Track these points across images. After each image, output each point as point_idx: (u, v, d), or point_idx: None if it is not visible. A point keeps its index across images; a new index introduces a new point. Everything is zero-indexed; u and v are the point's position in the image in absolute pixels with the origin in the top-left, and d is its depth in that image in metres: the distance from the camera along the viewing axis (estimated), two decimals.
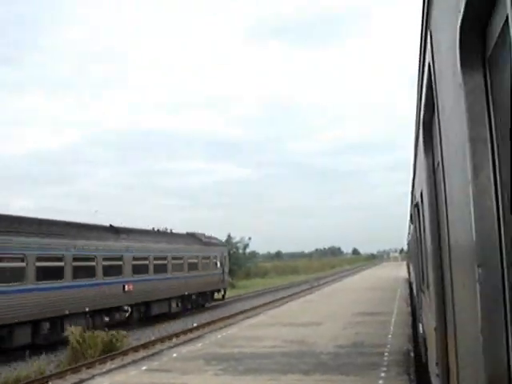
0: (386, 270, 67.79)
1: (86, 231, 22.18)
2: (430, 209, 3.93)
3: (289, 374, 9.88)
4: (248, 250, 63.18)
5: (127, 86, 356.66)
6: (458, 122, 1.78)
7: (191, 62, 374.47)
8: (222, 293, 34.99)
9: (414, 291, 14.55)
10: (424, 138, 3.96)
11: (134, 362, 13.09)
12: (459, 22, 1.55)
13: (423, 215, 5.39)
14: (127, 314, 23.99)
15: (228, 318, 24.42)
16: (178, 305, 27.97)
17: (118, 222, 26.13)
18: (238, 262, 55.24)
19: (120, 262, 23.63)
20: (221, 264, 34.70)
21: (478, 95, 1.59)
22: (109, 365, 14.93)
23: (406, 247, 47.22)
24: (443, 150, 2.47)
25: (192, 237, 33.19)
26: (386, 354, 11.55)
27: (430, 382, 5.82)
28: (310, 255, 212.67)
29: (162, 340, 18.81)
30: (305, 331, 15.44)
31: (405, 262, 64.08)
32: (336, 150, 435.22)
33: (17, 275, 17.43)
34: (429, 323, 5.37)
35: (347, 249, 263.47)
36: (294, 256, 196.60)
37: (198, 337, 16.57)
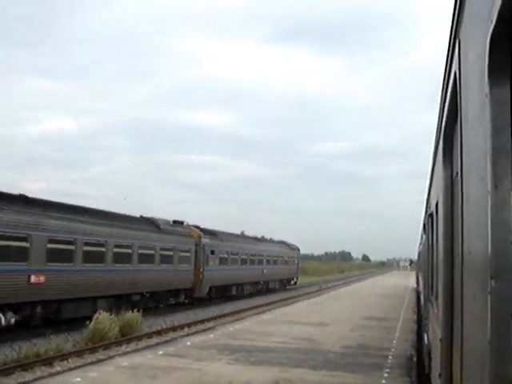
0: (394, 279, 68.05)
1: (126, 222, 24.18)
2: (444, 219, 3.92)
3: (298, 368, 10.50)
4: None
5: (150, 76, 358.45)
6: (481, 133, 1.78)
7: (215, 57, 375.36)
8: (295, 280, 51.92)
9: (422, 301, 14.67)
10: (444, 147, 3.95)
11: (149, 347, 13.83)
12: (490, 32, 1.55)
13: (437, 225, 5.40)
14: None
15: (238, 313, 25.10)
16: (275, 285, 45.50)
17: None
18: None
19: (153, 252, 25.69)
20: (297, 262, 53.25)
21: (504, 106, 1.60)
22: (124, 348, 15.68)
23: (416, 257, 47.50)
24: (463, 160, 2.45)
25: (284, 243, 51.96)
26: (390, 357, 12.12)
27: None
28: (319, 258, 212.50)
29: (174, 329, 19.54)
30: (313, 330, 16.04)
31: (414, 272, 64.34)
32: (354, 154, 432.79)
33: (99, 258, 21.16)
34: (434, 334, 5.35)
35: (357, 254, 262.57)
36: (303, 258, 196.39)
37: (210, 328, 17.25)
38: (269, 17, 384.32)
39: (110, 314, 17.58)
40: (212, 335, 14.85)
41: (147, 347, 13.78)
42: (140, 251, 24.27)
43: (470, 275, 2.21)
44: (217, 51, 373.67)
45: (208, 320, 22.36)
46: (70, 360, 13.81)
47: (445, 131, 3.75)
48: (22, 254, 17.26)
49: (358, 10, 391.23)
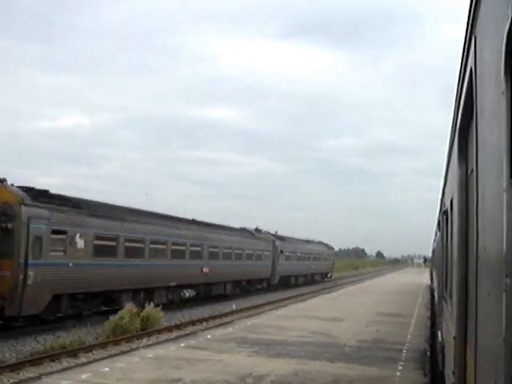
0: (409, 276, 68.10)
1: (179, 224, 28.35)
2: (459, 216, 3.90)
3: (316, 361, 10.92)
4: None
5: (162, 73, 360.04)
6: (497, 130, 1.76)
7: (226, 53, 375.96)
8: (331, 273, 61.47)
9: (436, 298, 14.72)
10: (459, 144, 3.93)
11: (170, 340, 14.34)
12: (507, 28, 1.54)
13: (452, 222, 5.38)
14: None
15: (255, 307, 25.55)
16: (313, 277, 53.62)
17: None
18: None
19: (251, 252, 37.24)
20: (333, 259, 64.32)
21: None
22: (145, 341, 16.19)
23: (430, 254, 47.60)
24: (478, 156, 2.43)
25: (323, 244, 61.58)
26: (404, 351, 12.49)
27: None
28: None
29: (193, 323, 20.05)
30: (328, 325, 16.44)
31: (428, 269, 64.41)
32: (368, 150, 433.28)
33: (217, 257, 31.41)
34: (448, 331, 5.33)
35: (371, 251, 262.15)
36: None
37: (228, 322, 17.72)
38: (278, 12, 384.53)
39: (140, 309, 18.16)
40: (231, 329, 15.32)
41: (168, 340, 14.28)
42: (246, 252, 36.05)
43: (484, 272, 2.20)
44: (229, 47, 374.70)
45: (225, 315, 22.85)
46: (94, 352, 14.33)
47: (460, 128, 3.72)
48: (197, 254, 28.61)
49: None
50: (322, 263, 57.42)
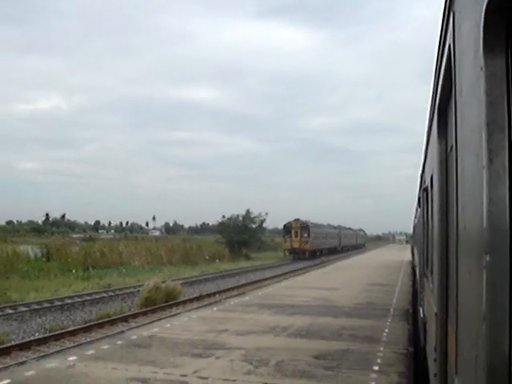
0: (391, 252, 71.93)
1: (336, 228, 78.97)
2: (439, 193, 3.90)
3: (323, 317, 14.03)
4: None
5: (138, 53, 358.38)
6: (476, 106, 1.75)
7: (206, 33, 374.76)
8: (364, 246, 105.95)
9: (417, 275, 14.75)
10: (438, 121, 3.91)
11: (203, 306, 17.25)
12: (485, 3, 1.53)
13: (432, 200, 5.43)
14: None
15: (259, 281, 28.76)
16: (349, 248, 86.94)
17: None
18: (254, 235, 59.55)
19: (336, 235, 77.56)
20: (365, 236, 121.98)
21: (499, 79, 1.58)
22: (174, 310, 19.19)
23: (411, 231, 50.58)
24: (458, 134, 2.43)
25: (358, 230, 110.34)
26: (392, 309, 15.68)
27: (427, 367, 6.06)
28: None
29: (208, 295, 23.11)
30: (327, 293, 19.59)
31: (409, 246, 68.04)
32: (349, 129, 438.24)
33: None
34: (430, 307, 5.38)
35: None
36: None
37: (242, 293, 20.82)
38: None
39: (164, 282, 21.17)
40: (247, 298, 18.38)
41: (202, 306, 17.10)
42: (342, 234, 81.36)
43: (465, 250, 2.20)
44: (205, 27, 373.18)
45: (236, 288, 25.98)
46: (139, 318, 17.28)
47: (439, 105, 3.70)
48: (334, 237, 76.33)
49: None
50: (350, 240, 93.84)
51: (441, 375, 3.53)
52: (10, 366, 9.41)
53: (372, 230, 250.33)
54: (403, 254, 58.04)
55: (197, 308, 16.56)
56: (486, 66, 1.59)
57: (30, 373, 8.13)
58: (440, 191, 3.84)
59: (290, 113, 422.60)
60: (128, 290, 24.14)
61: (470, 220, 2.01)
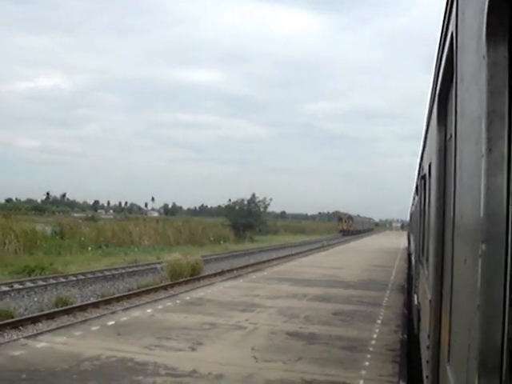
0: (388, 238, 75.15)
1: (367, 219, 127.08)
2: (437, 181, 3.92)
3: (334, 288, 16.94)
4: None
5: (141, 34, 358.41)
6: (477, 95, 1.76)
7: (210, 16, 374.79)
8: (372, 229, 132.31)
9: (413, 261, 15.13)
10: (438, 109, 3.90)
11: (231, 278, 20.15)
12: None
13: (429, 187, 5.45)
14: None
15: (270, 261, 31.74)
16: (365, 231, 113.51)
17: None
18: (258, 218, 62.58)
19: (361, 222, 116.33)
20: (373, 223, 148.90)
21: (501, 68, 1.58)
22: (206, 281, 22.03)
23: (408, 218, 53.16)
24: (457, 122, 2.44)
25: (370, 218, 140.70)
26: (390, 284, 18.63)
27: (419, 354, 6.16)
28: (313, 217, 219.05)
29: (228, 271, 26.05)
30: (333, 271, 22.52)
31: (406, 232, 70.97)
32: (349, 115, 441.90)
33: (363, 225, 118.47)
34: (425, 295, 5.42)
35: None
36: (297, 217, 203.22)
37: (259, 269, 23.76)
38: None
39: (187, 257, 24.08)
40: (265, 273, 21.31)
41: (230, 278, 20.00)
42: (365, 221, 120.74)
43: (461, 238, 2.23)
44: (208, 9, 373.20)
45: (247, 266, 28.94)
46: (176, 288, 20.10)
47: (440, 93, 3.69)
48: (362, 224, 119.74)
49: None
50: (366, 225, 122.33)
51: (433, 362, 3.58)
52: (104, 315, 12.26)
53: (369, 216, 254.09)
54: (399, 240, 61.06)
55: (225, 280, 19.48)
56: (488, 54, 1.59)
57: (125, 318, 11.03)
58: (438, 179, 3.90)
59: (290, 97, 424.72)
60: (153, 266, 26.98)
61: (467, 209, 2.01)
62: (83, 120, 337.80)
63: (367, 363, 8.14)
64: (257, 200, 62.51)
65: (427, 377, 4.12)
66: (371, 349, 9.09)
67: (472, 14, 1.91)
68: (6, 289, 17.24)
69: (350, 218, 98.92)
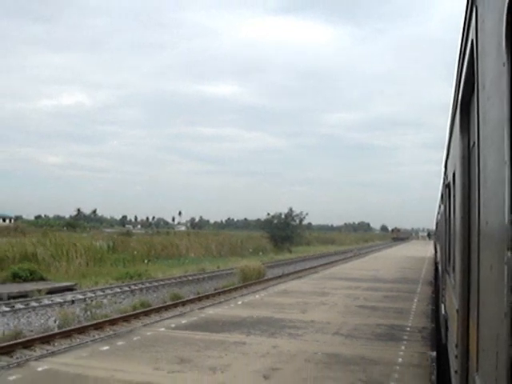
0: (415, 247, 79.58)
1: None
2: (461, 189, 3.93)
3: (377, 283, 22.37)
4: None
5: (162, 50, 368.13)
6: (498, 102, 1.78)
7: (227, 30, 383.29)
8: (409, 239, 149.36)
9: (440, 271, 15.27)
10: (461, 117, 3.92)
11: (292, 279, 25.73)
12: None
13: (454, 196, 5.51)
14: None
15: (316, 267, 37.33)
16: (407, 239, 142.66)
17: None
18: (295, 231, 68.32)
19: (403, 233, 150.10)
20: (410, 234, 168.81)
21: None
22: (278, 280, 27.56)
23: (434, 227, 56.82)
24: (480, 129, 2.44)
25: (407, 229, 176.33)
26: (420, 281, 24.01)
27: (448, 363, 6.36)
28: (338, 229, 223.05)
29: (286, 275, 31.62)
30: (372, 273, 27.91)
31: (431, 241, 75.36)
32: (370, 124, 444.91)
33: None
34: (452, 304, 5.47)
35: (376, 225, 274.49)
36: (322, 228, 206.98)
37: (310, 273, 29.29)
38: None
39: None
40: (319, 275, 26.83)
41: (295, 279, 25.62)
42: (406, 231, 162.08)
43: (486, 246, 2.22)
44: (230, 22, 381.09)
45: (300, 271, 34.50)
46: (253, 286, 25.66)
47: (462, 101, 3.71)
48: (404, 234, 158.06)
49: None
50: (407, 235, 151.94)
51: (462, 372, 3.57)
52: (231, 299, 17.95)
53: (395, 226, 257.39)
54: (426, 249, 65.81)
55: (292, 279, 25.09)
56: (508, 61, 1.59)
57: (246, 300, 16.70)
58: (462, 187, 3.90)
59: (310, 108, 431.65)
60: (219, 273, 32.71)
61: (491, 216, 2.02)
62: (106, 136, 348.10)
63: (411, 317, 13.68)
64: (293, 214, 68.31)
65: None
66: (412, 312, 14.62)
67: (492, 20, 1.95)
68: (135, 288, 23.17)
69: (398, 229, 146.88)
